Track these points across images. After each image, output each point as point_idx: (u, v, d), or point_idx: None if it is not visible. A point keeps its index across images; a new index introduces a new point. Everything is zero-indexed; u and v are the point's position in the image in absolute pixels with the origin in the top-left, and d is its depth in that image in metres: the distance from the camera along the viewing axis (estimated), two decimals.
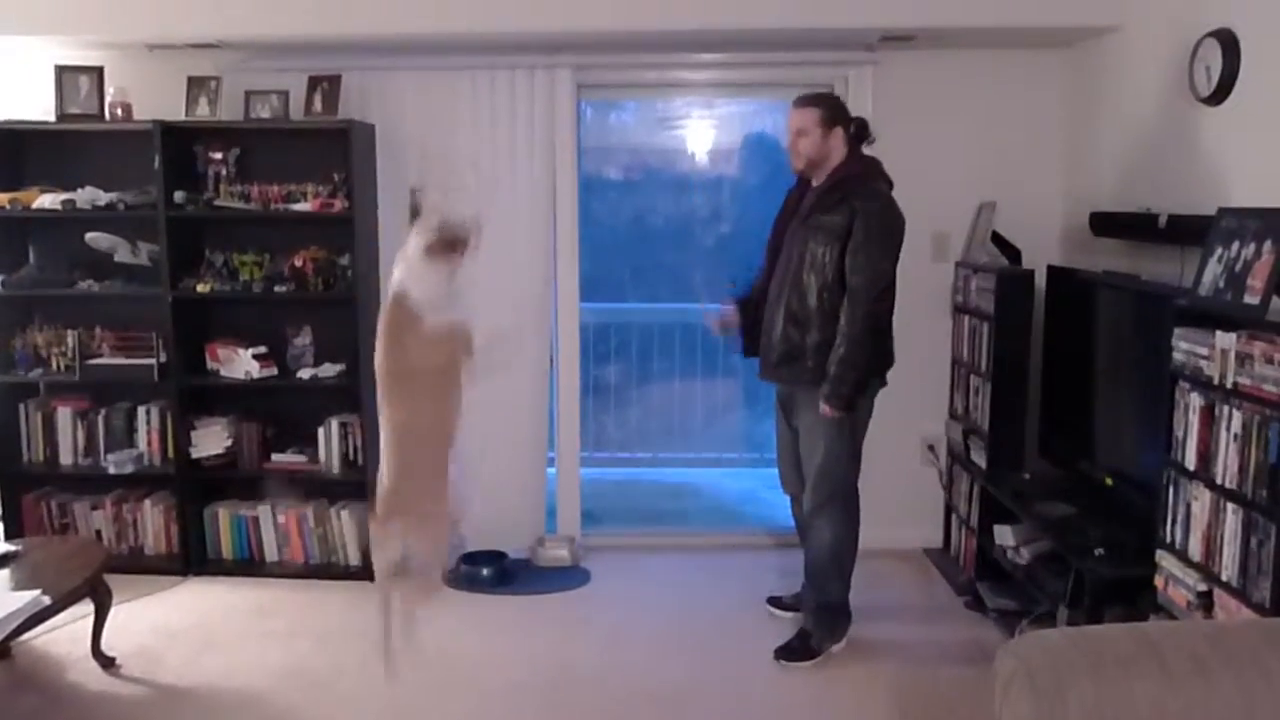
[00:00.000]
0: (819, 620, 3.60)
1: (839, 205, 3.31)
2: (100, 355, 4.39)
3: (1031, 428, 4.05)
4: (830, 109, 3.42)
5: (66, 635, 3.64)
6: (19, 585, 3.20)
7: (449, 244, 2.75)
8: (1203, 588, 2.66)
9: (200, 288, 4.24)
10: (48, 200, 4.19)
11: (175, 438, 4.34)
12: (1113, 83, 3.98)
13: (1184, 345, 2.73)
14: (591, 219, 5.59)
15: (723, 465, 6.10)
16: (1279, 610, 2.35)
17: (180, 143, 4.26)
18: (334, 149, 4.17)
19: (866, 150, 3.49)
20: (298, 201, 4.23)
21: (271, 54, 4.34)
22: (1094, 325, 3.65)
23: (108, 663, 3.50)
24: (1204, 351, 2.63)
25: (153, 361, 4.30)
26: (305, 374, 4.35)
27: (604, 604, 4.12)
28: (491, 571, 4.30)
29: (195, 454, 4.37)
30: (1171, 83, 3.46)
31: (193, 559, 4.40)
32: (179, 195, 4.19)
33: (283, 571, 4.40)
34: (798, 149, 3.43)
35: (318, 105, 4.26)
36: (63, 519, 4.48)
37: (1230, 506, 2.54)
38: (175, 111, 4.24)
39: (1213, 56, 3.15)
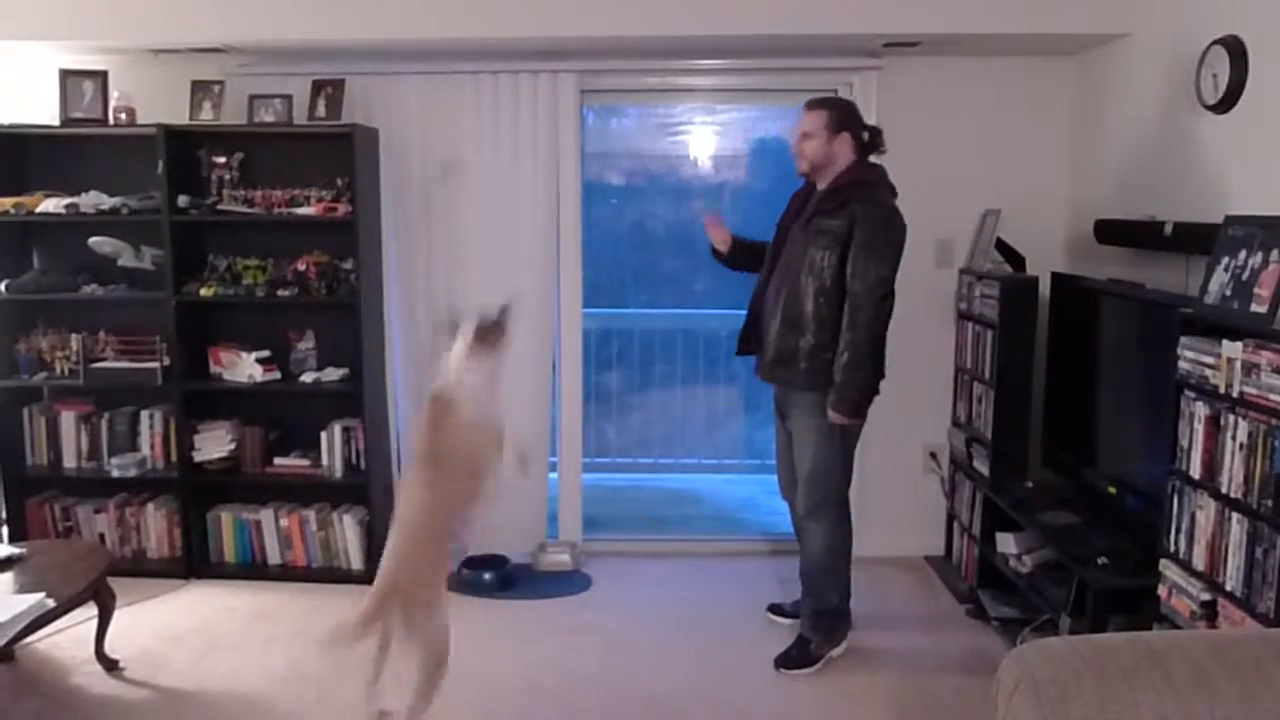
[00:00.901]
0: (816, 626, 3.59)
1: (840, 210, 3.31)
2: (104, 359, 4.39)
3: (1035, 436, 4.04)
4: (839, 113, 3.42)
5: (70, 638, 3.64)
6: (23, 588, 3.20)
7: (485, 333, 2.92)
8: (1206, 597, 2.66)
9: (204, 292, 4.25)
10: (51, 204, 4.20)
11: (178, 441, 4.35)
12: (1118, 90, 3.98)
13: (1190, 354, 2.72)
14: (594, 224, 5.59)
15: (724, 471, 6.09)
16: None
17: (184, 147, 4.27)
18: (338, 153, 4.17)
19: (875, 160, 3.48)
20: (301, 206, 4.23)
21: (275, 58, 4.35)
22: (1098, 333, 3.64)
23: (111, 666, 3.51)
24: (1210, 360, 2.63)
25: (156, 365, 4.31)
26: (308, 378, 4.35)
27: (605, 609, 4.12)
28: (493, 576, 4.30)
29: (198, 458, 4.37)
30: (1178, 90, 3.45)
31: (195, 562, 4.40)
32: (183, 199, 4.20)
33: (285, 575, 4.40)
34: (803, 151, 3.43)
35: (321, 110, 4.26)
36: (66, 522, 4.49)
37: (1235, 516, 2.54)
38: (179, 116, 4.25)
39: (1220, 64, 3.14)
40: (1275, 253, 2.51)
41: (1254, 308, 2.52)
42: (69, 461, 4.48)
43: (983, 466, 4.09)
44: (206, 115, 4.27)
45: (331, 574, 4.39)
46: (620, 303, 6.19)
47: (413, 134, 4.42)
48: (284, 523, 4.42)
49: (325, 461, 4.38)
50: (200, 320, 4.43)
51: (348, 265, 4.28)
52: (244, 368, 4.31)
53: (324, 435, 4.37)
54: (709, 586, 4.35)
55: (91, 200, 4.22)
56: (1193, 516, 2.72)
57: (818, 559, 3.55)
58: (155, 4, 3.98)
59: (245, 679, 3.47)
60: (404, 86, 4.38)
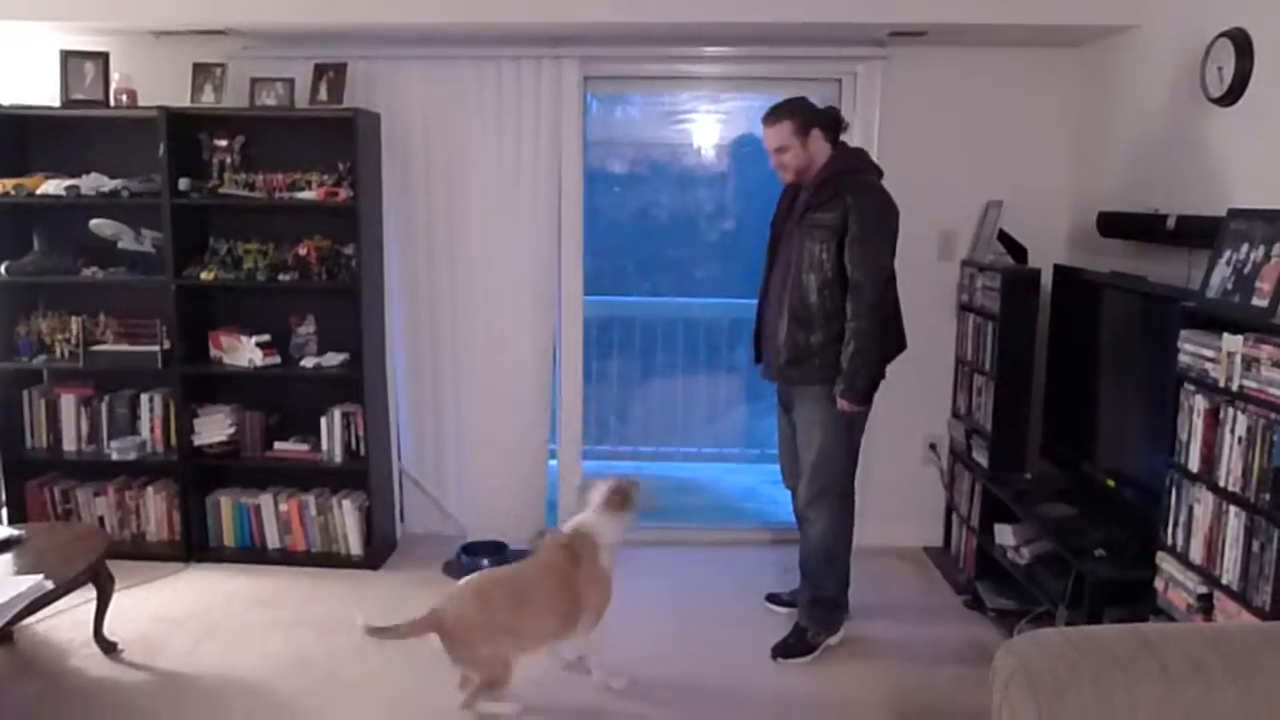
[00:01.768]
0: (813, 614, 3.60)
1: (831, 201, 3.31)
2: (104, 342, 4.39)
3: (1034, 428, 4.04)
4: (801, 115, 3.41)
5: (69, 621, 3.66)
6: (22, 570, 3.21)
7: (621, 496, 3.26)
8: (1203, 590, 2.66)
9: (204, 276, 4.24)
10: (52, 186, 4.19)
11: (178, 425, 4.35)
12: (1123, 82, 3.96)
13: (1190, 347, 2.72)
14: (597, 212, 5.59)
15: (724, 460, 6.10)
16: (1279, 615, 2.35)
17: (185, 130, 4.26)
18: (339, 138, 4.16)
19: (845, 139, 3.49)
20: (302, 190, 4.22)
21: (277, 42, 4.33)
22: (1099, 326, 3.64)
23: (109, 649, 3.51)
24: (1210, 354, 2.63)
25: (156, 349, 4.30)
26: (308, 363, 4.35)
27: None
28: (492, 563, 4.30)
29: (198, 442, 4.37)
30: (1183, 83, 3.44)
31: (195, 546, 4.41)
32: (183, 183, 4.19)
33: (284, 560, 4.40)
34: (784, 164, 3.44)
35: (323, 93, 4.25)
36: (66, 505, 4.49)
37: (1233, 510, 2.54)
38: (180, 98, 4.23)
39: (1225, 57, 3.13)
40: (1277, 247, 2.50)
41: (1255, 301, 2.51)
42: (69, 444, 4.49)
43: (982, 458, 4.09)
44: (208, 98, 4.25)
45: (330, 559, 4.40)
46: (622, 291, 6.19)
47: (415, 119, 4.41)
48: (283, 507, 4.42)
49: (325, 446, 4.38)
50: (201, 304, 4.43)
51: (348, 250, 4.27)
52: (244, 352, 4.31)
53: (324, 420, 4.37)
54: (708, 575, 4.35)
55: (92, 182, 4.22)
56: (1190, 510, 2.72)
57: (818, 547, 3.56)
58: None
59: (243, 663, 3.47)
60: (406, 71, 4.37)
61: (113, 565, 3.56)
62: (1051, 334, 4.00)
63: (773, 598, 3.99)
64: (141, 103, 4.24)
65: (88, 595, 3.50)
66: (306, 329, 4.45)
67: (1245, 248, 2.63)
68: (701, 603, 4.06)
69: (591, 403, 5.58)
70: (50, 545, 3.49)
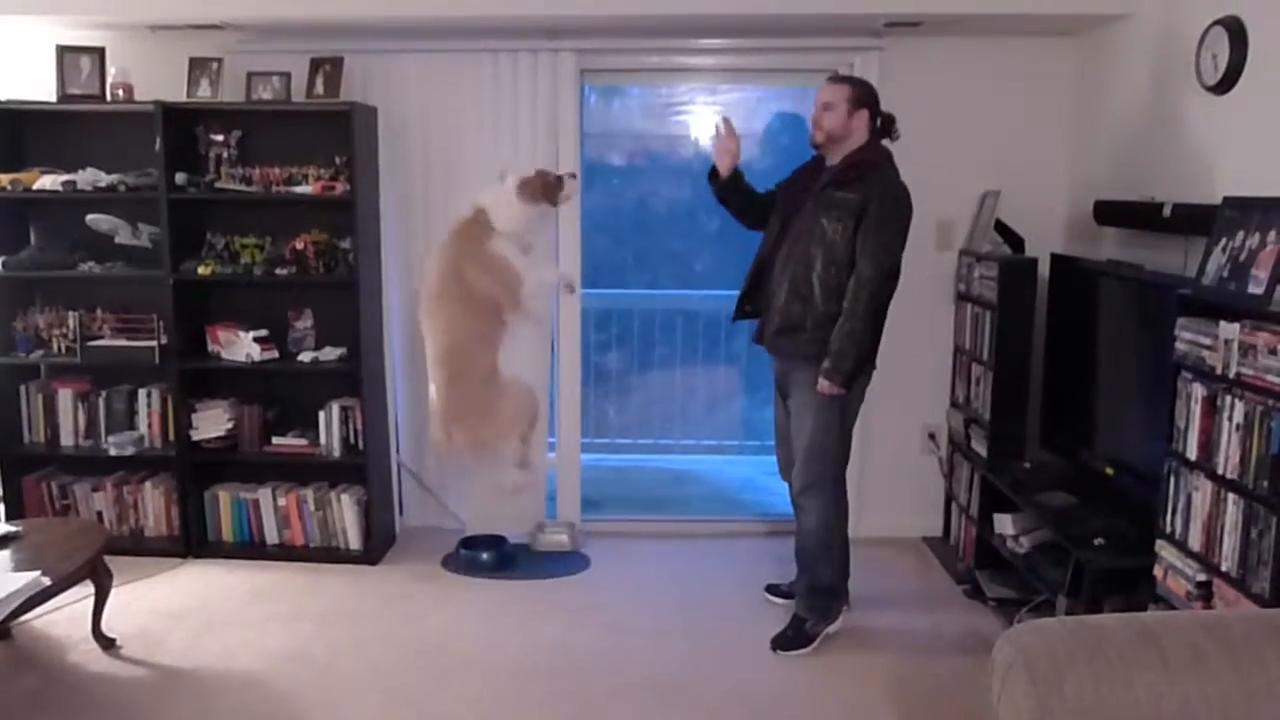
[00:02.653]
0: (810, 603, 3.61)
1: (856, 184, 3.32)
2: (101, 337, 4.38)
3: (1033, 417, 4.04)
4: (861, 91, 3.44)
5: (67, 616, 3.65)
6: (19, 566, 3.21)
7: (545, 185, 2.96)
8: (1202, 578, 2.66)
9: (201, 270, 4.24)
10: (48, 181, 4.18)
11: (176, 420, 4.35)
12: (1118, 71, 3.96)
13: (1187, 335, 2.72)
14: (595, 205, 5.58)
15: (723, 452, 6.10)
16: (1278, 601, 2.35)
17: (181, 124, 4.25)
18: (336, 131, 4.15)
19: (886, 145, 3.49)
20: (299, 184, 4.21)
21: (274, 35, 4.32)
22: (1097, 314, 3.64)
23: (108, 644, 3.51)
24: (1207, 341, 2.63)
25: (154, 344, 4.30)
26: (306, 357, 4.35)
27: (603, 590, 4.13)
28: (491, 556, 4.31)
29: (196, 436, 4.37)
30: (1178, 71, 3.44)
31: (193, 541, 4.41)
32: (180, 177, 4.18)
33: (283, 554, 4.40)
34: (821, 122, 3.43)
35: (320, 87, 4.24)
36: (63, 500, 4.49)
37: (1231, 497, 2.54)
38: (177, 93, 4.22)
39: (1220, 45, 3.13)
40: (1273, 234, 2.50)
41: (1251, 289, 2.51)
42: (66, 439, 4.49)
43: (981, 447, 4.09)
44: (204, 92, 4.24)
45: (329, 553, 4.40)
46: (621, 283, 6.19)
47: (411, 112, 4.40)
48: (282, 502, 4.42)
49: (323, 441, 4.38)
50: (198, 298, 4.42)
51: (346, 244, 4.27)
52: (242, 346, 4.31)
53: (322, 414, 4.36)
54: (707, 567, 4.36)
55: (89, 177, 4.21)
56: (1189, 497, 2.72)
57: (813, 535, 3.56)
58: None
59: (242, 658, 3.47)
60: (403, 64, 4.36)
61: (111, 561, 3.56)
62: (1049, 323, 3.99)
63: (772, 588, 3.99)
64: (138, 97, 4.22)
65: (86, 591, 3.49)
66: (304, 323, 4.44)
67: (1241, 234, 2.63)
68: (700, 594, 4.06)
69: (590, 395, 5.58)
70: (48, 541, 3.48)
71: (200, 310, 4.43)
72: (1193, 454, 2.69)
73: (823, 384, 3.36)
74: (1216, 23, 3.14)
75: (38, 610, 3.30)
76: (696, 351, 6.09)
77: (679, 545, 4.62)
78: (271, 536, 4.46)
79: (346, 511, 4.39)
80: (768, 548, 4.51)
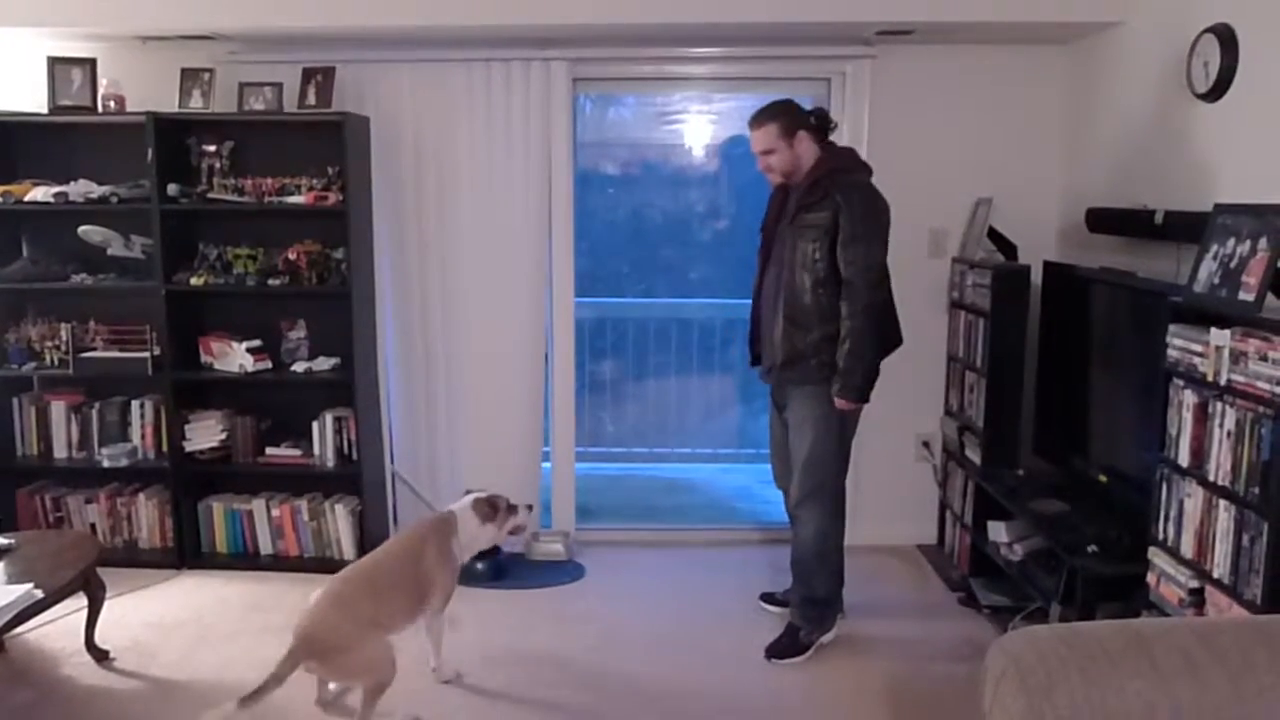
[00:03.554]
0: (805, 614, 3.60)
1: (822, 201, 3.32)
2: (94, 349, 4.38)
3: (1026, 424, 4.04)
4: (786, 118, 3.41)
5: (60, 629, 3.64)
6: (12, 579, 3.20)
7: (493, 509, 3.41)
8: (1195, 585, 2.66)
9: (194, 281, 4.23)
10: (40, 193, 4.18)
11: (169, 431, 4.34)
12: (1110, 78, 3.97)
13: (1179, 342, 2.72)
14: (590, 214, 5.58)
15: (718, 461, 6.10)
16: (1270, 608, 2.35)
17: (173, 135, 4.25)
18: (328, 142, 4.16)
19: (833, 139, 3.50)
20: (292, 194, 4.22)
21: (265, 46, 4.32)
22: (1089, 322, 3.64)
23: (102, 656, 3.50)
24: (1198, 348, 2.63)
25: (147, 355, 4.29)
26: (299, 368, 4.34)
27: (598, 599, 4.12)
28: (485, 565, 4.30)
29: (189, 448, 4.36)
30: (1169, 79, 3.45)
31: (187, 552, 4.40)
32: (172, 188, 4.18)
33: (277, 565, 4.40)
34: (770, 166, 3.46)
35: (312, 98, 4.24)
36: (56, 513, 4.48)
37: (1223, 504, 2.54)
38: (168, 104, 4.23)
39: (1211, 52, 3.14)
40: (1263, 241, 2.51)
41: (1242, 296, 2.51)
42: (59, 451, 4.48)
43: (974, 455, 4.10)
44: (196, 103, 4.24)
45: (324, 564, 4.38)
46: (616, 292, 6.19)
47: (404, 122, 4.40)
48: (276, 513, 4.42)
49: (317, 451, 4.38)
50: (191, 310, 4.42)
51: (339, 254, 4.27)
52: (235, 357, 4.30)
53: (315, 425, 4.36)
54: (702, 576, 4.35)
55: (80, 189, 4.21)
56: (1181, 504, 2.72)
57: (809, 546, 3.56)
58: None
59: (237, 669, 3.46)
60: (395, 74, 4.37)
61: (104, 572, 3.55)
62: (1042, 330, 4.00)
63: (767, 597, 3.99)
64: (129, 108, 4.23)
65: (79, 603, 3.48)
66: (297, 333, 4.44)
67: (1232, 242, 2.63)
68: (695, 603, 4.05)
69: (585, 404, 5.58)
70: (41, 553, 3.47)
71: (193, 321, 4.43)
72: (1185, 461, 2.69)
73: (839, 403, 3.37)
74: (1207, 30, 3.15)
75: (31, 623, 3.29)
76: (691, 360, 6.09)
77: (674, 554, 4.62)
78: (265, 547, 4.45)
79: (340, 522, 4.38)
80: (763, 556, 4.51)
